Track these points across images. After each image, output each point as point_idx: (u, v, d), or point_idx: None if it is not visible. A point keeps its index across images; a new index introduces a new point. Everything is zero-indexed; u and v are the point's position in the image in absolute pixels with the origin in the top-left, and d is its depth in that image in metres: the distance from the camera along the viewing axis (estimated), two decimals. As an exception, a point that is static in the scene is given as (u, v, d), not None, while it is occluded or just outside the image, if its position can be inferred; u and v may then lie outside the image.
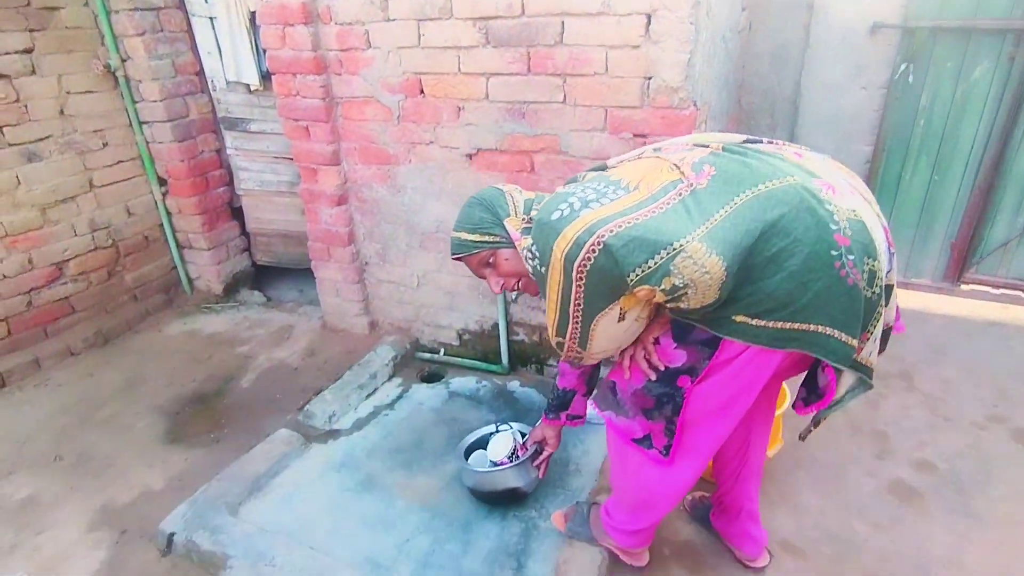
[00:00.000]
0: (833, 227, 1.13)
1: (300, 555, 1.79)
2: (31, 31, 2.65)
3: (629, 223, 1.12)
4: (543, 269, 1.25)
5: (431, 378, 2.76)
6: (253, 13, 2.81)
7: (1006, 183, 2.86)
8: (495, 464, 1.94)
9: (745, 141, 1.30)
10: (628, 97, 2.01)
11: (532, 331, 2.61)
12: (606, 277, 1.15)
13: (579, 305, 1.21)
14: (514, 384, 2.63)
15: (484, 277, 1.52)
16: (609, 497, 1.77)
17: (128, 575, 1.84)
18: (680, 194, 1.17)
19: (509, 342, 2.65)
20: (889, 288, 1.22)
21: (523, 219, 1.44)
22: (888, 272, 1.20)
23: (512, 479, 1.91)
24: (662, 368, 1.34)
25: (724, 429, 1.41)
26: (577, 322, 1.25)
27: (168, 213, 3.30)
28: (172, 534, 1.89)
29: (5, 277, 2.76)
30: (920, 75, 2.81)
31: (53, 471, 2.27)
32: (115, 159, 3.06)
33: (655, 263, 1.11)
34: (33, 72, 2.69)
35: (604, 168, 1.39)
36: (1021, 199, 2.88)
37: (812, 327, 1.17)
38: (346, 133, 2.58)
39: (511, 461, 1.92)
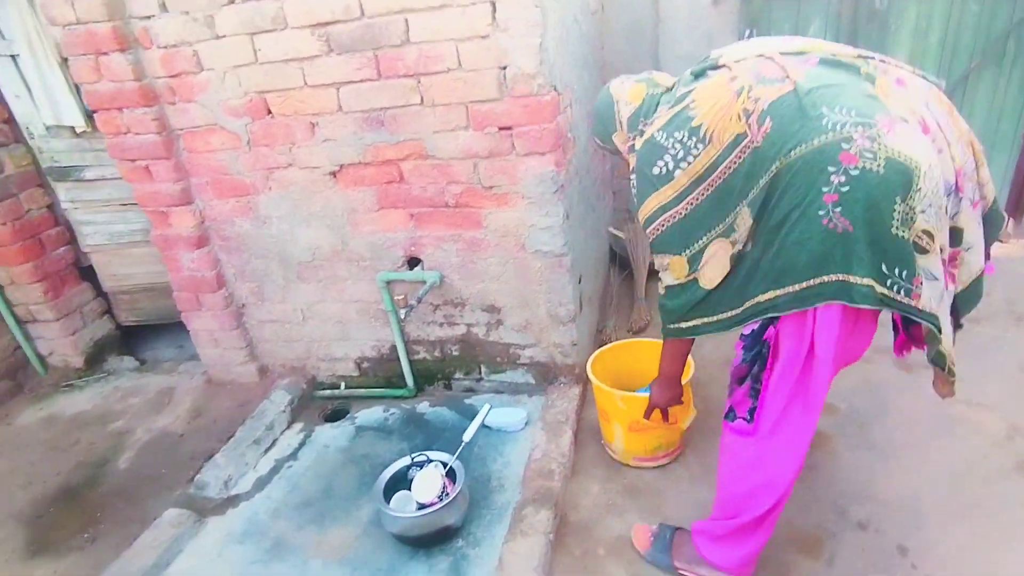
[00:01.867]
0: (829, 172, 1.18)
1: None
2: None
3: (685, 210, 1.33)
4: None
5: (335, 416, 2.56)
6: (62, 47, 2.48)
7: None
8: (423, 505, 1.80)
9: (858, 56, 1.29)
10: (486, 90, 1.93)
11: (432, 347, 2.48)
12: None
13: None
14: (423, 406, 2.49)
15: None
16: (702, 520, 1.66)
17: None
18: (742, 154, 1.25)
19: (411, 362, 2.50)
20: (957, 231, 1.26)
21: (629, 137, 1.54)
22: (955, 215, 1.24)
23: (445, 518, 1.78)
24: None
25: (807, 402, 1.39)
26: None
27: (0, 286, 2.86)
28: (41, 664, 1.60)
29: None
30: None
31: None
32: (-83, 234, 2.61)
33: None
34: None
35: (706, 73, 1.36)
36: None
37: (824, 279, 1.24)
38: (193, 167, 2.33)
39: (441, 500, 1.78)
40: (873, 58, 1.29)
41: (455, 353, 2.46)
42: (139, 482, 2.32)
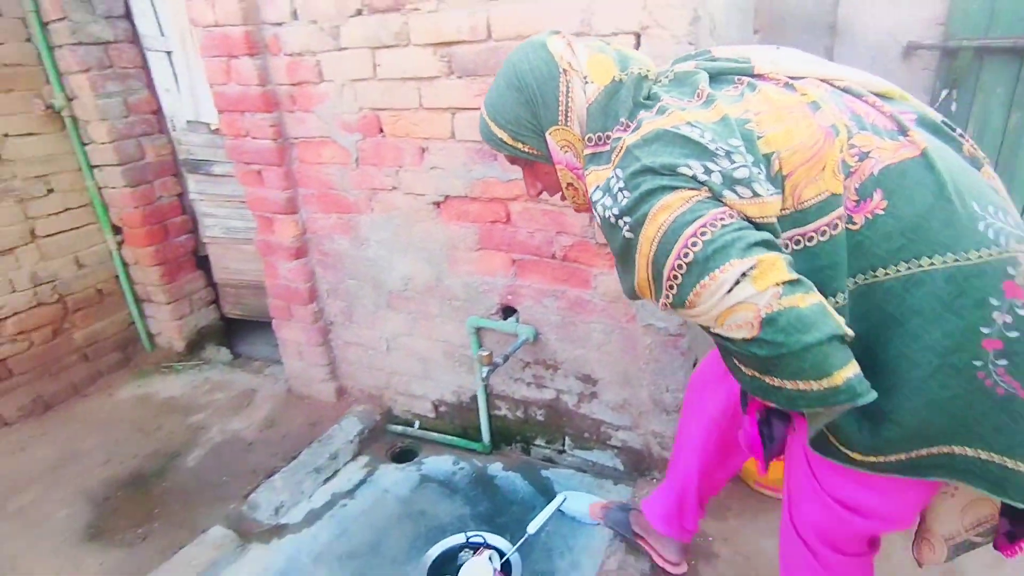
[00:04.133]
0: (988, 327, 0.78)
1: None
2: (-36, 70, 2.41)
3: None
4: (628, 235, 0.86)
5: (403, 456, 2.39)
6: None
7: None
8: None
9: (944, 122, 0.91)
10: (617, 135, 1.67)
11: (516, 406, 2.23)
12: None
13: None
14: (496, 467, 2.24)
15: (521, 169, 1.17)
16: None
17: None
18: (829, 229, 0.82)
19: (490, 417, 2.27)
20: None
21: (586, 139, 0.98)
22: None
23: None
24: None
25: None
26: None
27: (124, 264, 3.01)
28: None
29: (-72, 340, 2.48)
30: (965, 102, 2.43)
31: (-54, 577, 1.93)
32: (62, 206, 2.78)
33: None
34: (-34, 114, 2.44)
35: (730, 79, 0.95)
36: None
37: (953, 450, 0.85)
38: (303, 178, 2.27)
39: None
40: (955, 128, 0.92)
41: (539, 418, 2.20)
42: (200, 485, 2.27)
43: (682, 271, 0.81)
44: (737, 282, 0.77)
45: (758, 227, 0.82)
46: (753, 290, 0.76)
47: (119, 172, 2.75)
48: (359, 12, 1.88)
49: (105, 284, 3.00)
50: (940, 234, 0.80)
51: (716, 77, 0.95)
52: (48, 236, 2.76)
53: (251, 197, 2.37)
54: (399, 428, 2.49)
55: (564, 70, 0.99)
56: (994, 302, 0.78)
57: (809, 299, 0.77)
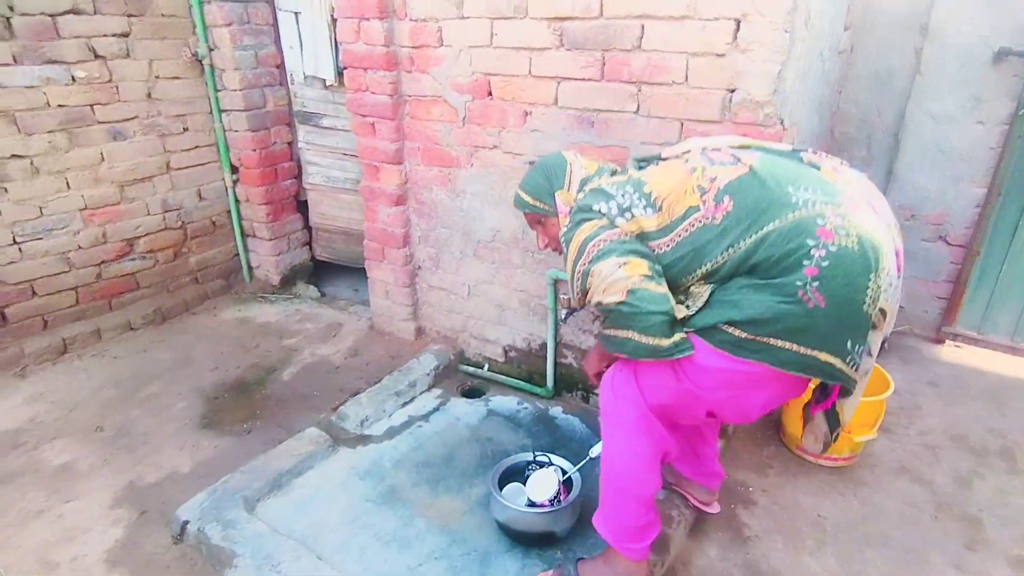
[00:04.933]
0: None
1: (307, 564, 1.69)
2: (129, 16, 2.77)
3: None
4: (565, 247, 1.47)
5: (471, 393, 2.64)
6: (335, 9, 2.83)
7: None
8: (533, 504, 1.79)
9: (792, 150, 1.39)
10: (708, 110, 1.84)
11: (581, 355, 2.45)
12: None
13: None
14: (556, 410, 2.47)
15: (536, 232, 1.72)
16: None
17: (138, 558, 1.80)
18: (691, 227, 1.31)
19: (556, 364, 2.49)
20: (884, 312, 1.27)
21: (575, 196, 1.54)
22: (887, 299, 1.26)
23: (550, 524, 1.76)
24: None
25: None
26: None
27: (236, 200, 3.36)
28: (186, 522, 1.84)
29: (80, 248, 2.87)
30: (1051, 112, 2.48)
31: (93, 441, 2.29)
32: (193, 144, 3.15)
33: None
34: (127, 55, 2.81)
35: (652, 162, 1.50)
36: None
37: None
38: (411, 132, 2.53)
39: (552, 505, 1.76)
40: (805, 151, 1.38)
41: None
42: (294, 396, 2.58)
43: (584, 265, 1.37)
44: (615, 271, 1.31)
45: (642, 239, 1.35)
46: (624, 275, 1.31)
47: (244, 117, 3.09)
48: (483, -15, 2.10)
49: (218, 217, 3.37)
50: (768, 210, 1.24)
51: (643, 165, 1.51)
52: (179, 169, 3.13)
53: (363, 146, 2.65)
54: (470, 369, 2.74)
55: (570, 162, 1.60)
56: (811, 243, 1.20)
57: (659, 288, 1.31)
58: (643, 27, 1.86)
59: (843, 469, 2.13)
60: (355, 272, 3.54)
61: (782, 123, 1.81)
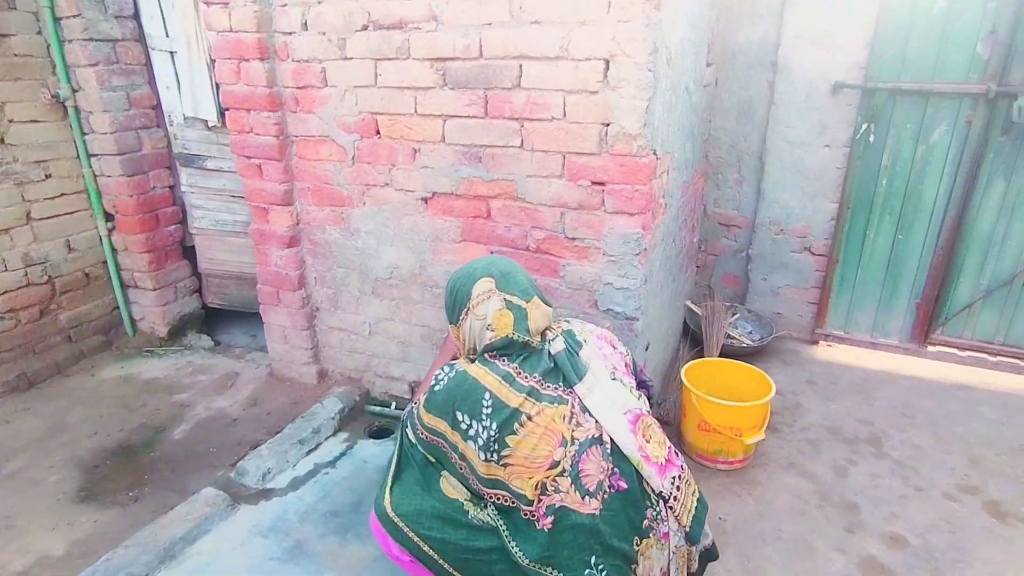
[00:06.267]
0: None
1: (205, 638, 1.58)
2: (-25, 57, 2.55)
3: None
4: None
5: (379, 434, 2.58)
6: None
7: (968, 243, 2.85)
8: None
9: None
10: (586, 143, 1.95)
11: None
12: None
13: None
14: (467, 441, 2.47)
15: None
16: None
17: (3, 660, 1.60)
18: (509, 503, 1.41)
19: (463, 396, 2.50)
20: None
21: (466, 346, 1.52)
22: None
23: None
24: None
25: None
26: None
27: (113, 250, 3.13)
28: (62, 611, 1.66)
29: (-80, 313, 2.56)
30: (881, 135, 2.83)
31: (-57, 531, 2.02)
32: (58, 191, 2.91)
33: None
34: (-26, 99, 2.57)
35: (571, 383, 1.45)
36: (983, 260, 2.86)
37: None
38: (300, 173, 2.49)
39: None
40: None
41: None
42: (188, 455, 2.41)
43: (415, 432, 1.53)
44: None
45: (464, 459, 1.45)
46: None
47: (117, 161, 2.90)
48: (365, 28, 2.13)
49: (93, 268, 3.12)
50: (574, 556, 1.36)
51: (566, 384, 1.46)
52: (42, 219, 2.88)
53: (250, 188, 2.57)
54: (377, 408, 2.68)
55: (473, 307, 1.49)
56: None
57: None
58: (521, 67, 1.95)
59: (738, 471, 2.28)
60: (251, 318, 3.37)
61: (654, 153, 1.96)
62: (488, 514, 1.45)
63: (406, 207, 2.32)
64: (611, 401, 1.43)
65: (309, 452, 2.42)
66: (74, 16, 2.66)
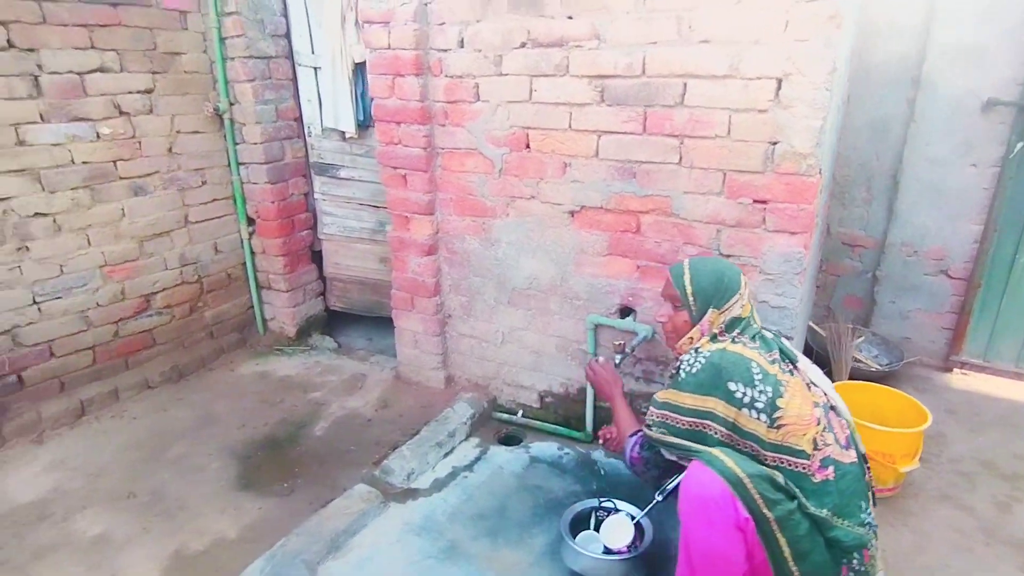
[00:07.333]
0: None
1: (386, 628, 1.65)
2: (154, 73, 2.78)
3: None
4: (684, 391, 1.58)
5: (508, 440, 2.64)
6: (357, 64, 2.90)
7: None
8: (609, 551, 1.79)
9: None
10: (750, 162, 1.95)
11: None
12: None
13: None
14: (598, 454, 2.48)
15: (665, 302, 1.76)
16: None
17: (201, 633, 1.72)
18: (792, 465, 1.47)
19: (595, 408, 2.52)
20: None
21: (719, 328, 1.63)
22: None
23: (633, 571, 1.76)
24: None
25: None
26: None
27: (252, 253, 3.34)
28: (249, 591, 1.78)
29: (99, 306, 2.80)
30: (1037, 155, 2.69)
31: (126, 509, 2.20)
32: (210, 197, 3.13)
33: None
34: (151, 111, 2.81)
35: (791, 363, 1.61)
36: None
37: None
38: (443, 184, 2.58)
39: (629, 551, 1.77)
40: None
41: (643, 411, 2.43)
42: (331, 452, 2.53)
43: (665, 432, 1.65)
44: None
45: (734, 429, 1.53)
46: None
47: (264, 169, 3.10)
48: (523, 45, 2.20)
49: (233, 269, 3.33)
50: (844, 514, 1.44)
51: (784, 357, 1.62)
52: (197, 222, 3.10)
53: (393, 197, 2.69)
54: (504, 415, 2.74)
55: (741, 294, 1.65)
56: (855, 562, 1.44)
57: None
58: (685, 85, 1.97)
59: (888, 499, 2.20)
60: (368, 321, 3.52)
61: (820, 172, 1.93)
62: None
63: (551, 219, 2.37)
64: (819, 377, 1.63)
65: (446, 455, 2.49)
66: (238, 36, 2.87)
